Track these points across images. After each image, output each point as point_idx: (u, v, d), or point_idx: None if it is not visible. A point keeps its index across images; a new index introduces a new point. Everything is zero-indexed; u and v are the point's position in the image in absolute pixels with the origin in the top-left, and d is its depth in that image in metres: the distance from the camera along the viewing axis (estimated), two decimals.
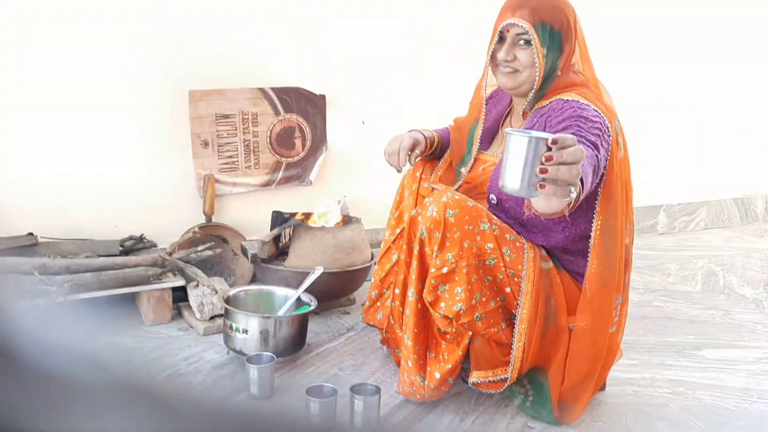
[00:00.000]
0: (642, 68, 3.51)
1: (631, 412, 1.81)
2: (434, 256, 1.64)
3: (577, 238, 1.72)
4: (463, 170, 1.94)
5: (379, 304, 2.16)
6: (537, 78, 1.69)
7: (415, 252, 1.68)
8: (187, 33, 2.45)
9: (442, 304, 1.66)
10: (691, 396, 1.91)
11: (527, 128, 1.69)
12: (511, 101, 1.91)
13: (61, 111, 2.31)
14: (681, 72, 3.64)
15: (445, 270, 1.63)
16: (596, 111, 1.61)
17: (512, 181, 1.24)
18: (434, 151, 2.03)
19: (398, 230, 2.06)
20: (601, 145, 1.54)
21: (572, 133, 1.46)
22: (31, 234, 2.23)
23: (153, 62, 2.41)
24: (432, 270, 1.65)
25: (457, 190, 1.90)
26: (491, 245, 1.66)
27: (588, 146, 1.47)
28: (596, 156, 1.48)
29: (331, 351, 2.10)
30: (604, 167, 1.58)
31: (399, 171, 1.94)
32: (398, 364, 1.94)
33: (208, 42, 2.50)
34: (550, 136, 1.22)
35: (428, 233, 1.64)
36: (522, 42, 1.68)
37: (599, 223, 1.67)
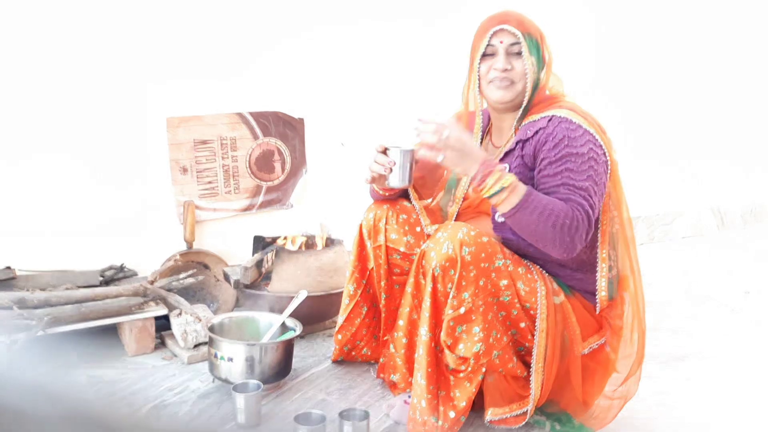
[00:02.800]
0: (616, 78, 3.57)
1: (620, 426, 1.82)
2: (451, 296, 1.61)
3: (592, 245, 1.75)
4: (450, 209, 1.91)
5: (354, 353, 2.11)
6: (527, 90, 1.72)
7: (428, 289, 1.64)
8: (164, 59, 2.44)
9: (461, 346, 1.64)
10: (677, 408, 1.93)
11: (520, 140, 1.73)
12: (489, 120, 1.92)
13: (37, 140, 2.28)
14: (654, 81, 3.71)
15: (462, 310, 1.61)
16: (587, 131, 1.66)
17: (396, 179, 1.77)
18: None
19: (364, 281, 2.00)
20: (595, 182, 1.63)
21: (561, 183, 1.62)
22: (8, 267, 2.19)
23: (129, 89, 2.40)
24: (449, 311, 1.62)
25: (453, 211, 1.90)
26: (506, 282, 1.66)
27: (577, 196, 1.60)
28: (585, 203, 1.60)
29: (318, 375, 2.08)
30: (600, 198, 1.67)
31: (388, 166, 1.76)
32: (390, 387, 1.93)
33: (185, 68, 2.49)
34: (414, 148, 1.73)
35: (442, 270, 1.61)
36: (515, 52, 1.72)
37: (600, 232, 1.76)
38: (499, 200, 1.59)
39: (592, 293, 1.80)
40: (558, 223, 1.56)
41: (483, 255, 1.62)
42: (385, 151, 1.81)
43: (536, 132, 1.69)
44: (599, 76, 3.43)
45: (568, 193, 1.60)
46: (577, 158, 1.62)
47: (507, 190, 1.57)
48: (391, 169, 1.77)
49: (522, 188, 1.58)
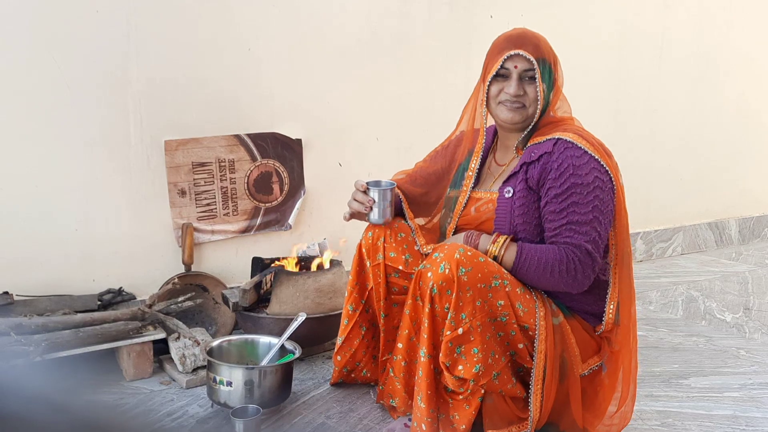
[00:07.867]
0: (610, 94, 3.59)
1: None
2: (449, 317, 1.60)
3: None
4: (448, 225, 1.90)
5: (353, 375, 2.09)
6: (537, 113, 1.74)
7: (426, 309, 1.64)
8: (161, 82, 2.45)
9: (460, 367, 1.63)
10: (680, 427, 1.91)
11: (524, 163, 1.74)
12: (494, 138, 1.92)
13: (34, 164, 2.28)
14: (651, 97, 3.72)
15: (460, 331, 1.61)
16: (592, 158, 1.67)
17: (375, 216, 1.89)
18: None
19: (363, 301, 1.99)
20: (600, 211, 1.66)
21: (566, 222, 1.67)
22: (6, 293, 2.18)
23: (127, 113, 2.40)
24: (447, 332, 1.61)
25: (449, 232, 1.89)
26: (502, 302, 1.65)
27: (578, 236, 1.66)
28: (585, 240, 1.66)
29: (318, 398, 2.07)
30: (611, 221, 1.72)
31: (367, 204, 1.88)
32: (390, 411, 1.92)
33: (183, 91, 2.50)
34: (394, 185, 1.91)
35: (439, 291, 1.61)
36: (527, 78, 1.73)
37: (613, 254, 1.78)
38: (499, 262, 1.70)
39: (591, 314, 1.79)
40: (556, 270, 1.66)
41: (479, 275, 1.62)
42: (366, 190, 1.84)
43: (541, 156, 1.70)
44: (595, 91, 3.44)
45: (570, 236, 1.66)
46: (583, 189, 1.64)
47: (500, 257, 1.69)
48: (370, 207, 1.87)
49: (513, 248, 1.69)
